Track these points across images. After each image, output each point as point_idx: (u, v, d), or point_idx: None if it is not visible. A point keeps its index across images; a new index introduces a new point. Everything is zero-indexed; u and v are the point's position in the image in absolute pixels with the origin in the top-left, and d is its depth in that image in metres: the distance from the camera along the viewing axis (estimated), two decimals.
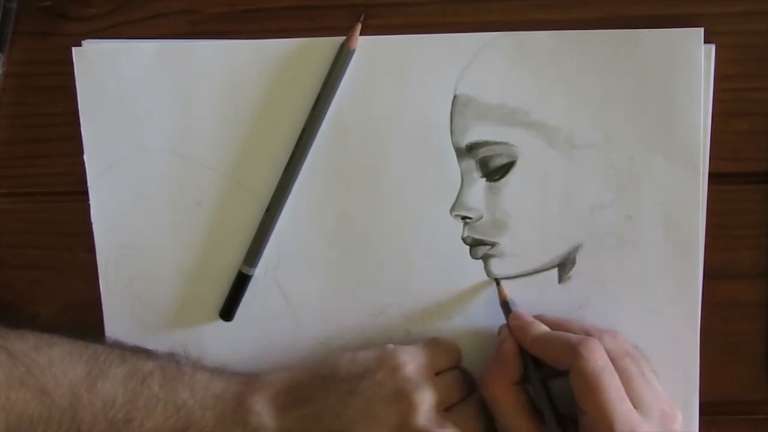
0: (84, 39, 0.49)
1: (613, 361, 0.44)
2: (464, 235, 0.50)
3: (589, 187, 0.49)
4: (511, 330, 0.48)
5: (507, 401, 0.46)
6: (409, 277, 0.50)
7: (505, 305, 0.49)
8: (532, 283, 0.50)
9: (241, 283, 0.50)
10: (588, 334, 0.46)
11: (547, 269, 0.50)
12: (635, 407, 0.43)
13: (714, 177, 0.49)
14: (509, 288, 0.50)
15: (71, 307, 0.52)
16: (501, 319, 0.49)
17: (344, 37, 0.48)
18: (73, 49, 0.49)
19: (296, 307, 0.51)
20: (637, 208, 0.49)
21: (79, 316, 0.51)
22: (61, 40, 0.49)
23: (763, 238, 0.50)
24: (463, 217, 0.50)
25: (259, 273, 0.50)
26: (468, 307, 0.51)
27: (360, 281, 0.50)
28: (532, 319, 0.48)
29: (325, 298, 0.51)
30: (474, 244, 0.50)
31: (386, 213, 0.50)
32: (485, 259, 0.50)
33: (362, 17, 0.48)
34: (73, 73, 0.49)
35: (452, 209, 0.50)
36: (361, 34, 0.48)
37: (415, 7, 0.49)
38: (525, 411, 0.46)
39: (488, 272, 0.50)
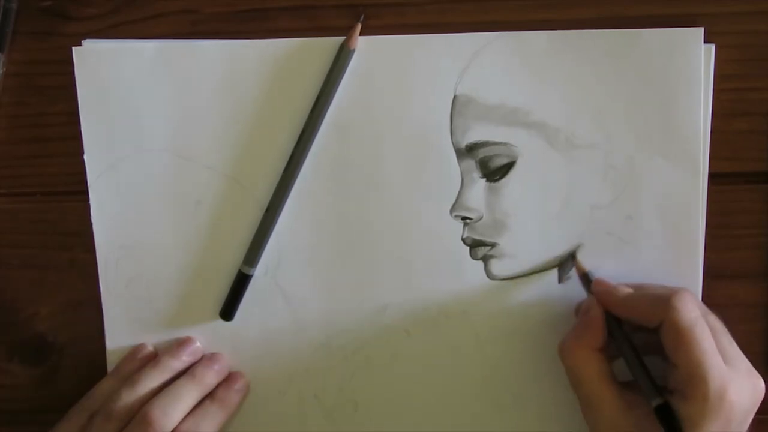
0: (84, 39, 0.49)
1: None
2: (464, 236, 0.50)
3: (589, 187, 0.49)
4: (597, 295, 0.47)
5: (591, 368, 0.45)
6: (409, 277, 0.50)
7: (585, 277, 0.49)
8: (532, 283, 0.50)
9: (241, 283, 0.50)
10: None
11: (547, 269, 0.50)
12: (724, 361, 0.42)
13: (714, 177, 0.49)
14: (509, 288, 0.50)
15: (71, 307, 0.52)
16: (501, 319, 0.49)
17: (344, 37, 0.48)
18: (74, 48, 0.49)
19: (296, 307, 0.51)
20: (637, 208, 0.49)
21: (79, 316, 0.52)
22: (61, 40, 0.49)
23: (763, 238, 0.50)
24: (463, 218, 0.50)
25: (259, 273, 0.50)
26: (468, 308, 0.50)
27: (360, 281, 0.50)
28: (616, 284, 0.47)
29: (325, 298, 0.51)
30: (474, 245, 0.50)
31: (386, 213, 0.50)
32: (485, 259, 0.50)
33: (362, 17, 0.48)
34: (73, 73, 0.49)
35: (452, 210, 0.50)
36: (361, 34, 0.48)
37: (415, 7, 0.49)
38: (608, 377, 0.45)
39: (488, 273, 0.50)
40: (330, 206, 0.50)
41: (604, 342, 0.46)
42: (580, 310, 0.48)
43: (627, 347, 0.45)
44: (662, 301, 0.43)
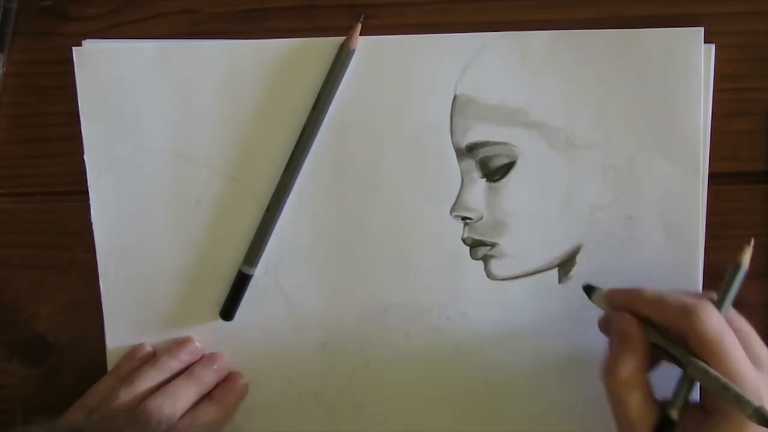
0: (84, 39, 0.49)
1: (726, 320, 0.43)
2: (464, 236, 0.50)
3: (589, 187, 0.49)
4: (622, 304, 0.45)
5: (640, 389, 0.43)
6: (409, 277, 0.50)
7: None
8: (532, 283, 0.50)
9: (241, 283, 0.50)
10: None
11: (547, 269, 0.50)
12: (754, 365, 0.42)
13: (714, 177, 0.49)
14: (509, 288, 0.50)
15: (71, 307, 0.52)
16: (500, 319, 0.49)
17: (344, 37, 0.48)
18: (74, 49, 0.49)
19: (296, 307, 0.51)
20: (637, 208, 0.49)
21: (79, 316, 0.52)
22: (61, 40, 0.49)
23: (763, 238, 0.50)
24: (463, 218, 0.50)
25: (259, 273, 0.50)
26: (468, 308, 0.50)
27: (360, 281, 0.50)
28: (635, 287, 0.45)
29: (325, 298, 0.51)
30: (474, 245, 0.50)
31: (386, 213, 0.50)
32: (485, 259, 0.50)
33: (362, 17, 0.48)
34: (73, 73, 0.49)
35: (452, 210, 0.50)
36: (361, 34, 0.48)
37: (415, 7, 0.49)
38: (652, 399, 0.43)
39: (488, 273, 0.50)
40: (330, 206, 0.50)
41: (649, 359, 0.44)
42: (607, 327, 0.47)
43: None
44: (687, 311, 0.42)
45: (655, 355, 0.44)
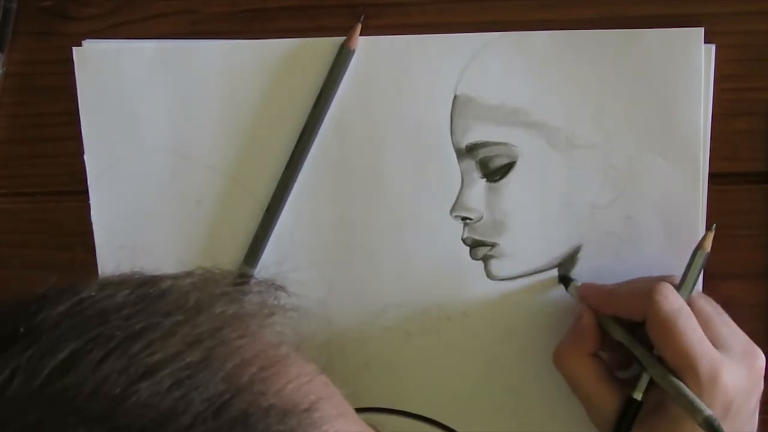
0: (84, 39, 0.49)
1: (687, 302, 0.43)
2: (464, 236, 0.50)
3: (589, 187, 0.49)
4: (585, 299, 0.47)
5: (586, 371, 0.46)
6: (409, 277, 0.50)
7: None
8: (532, 283, 0.50)
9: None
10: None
11: (547, 269, 0.50)
12: (716, 347, 0.42)
13: (714, 177, 0.49)
14: (509, 288, 0.50)
15: None
16: (500, 319, 0.49)
17: (344, 37, 0.48)
18: (74, 49, 0.49)
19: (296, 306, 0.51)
20: (637, 208, 0.49)
21: None
22: (61, 40, 0.49)
23: (763, 238, 0.50)
24: (463, 218, 0.50)
25: (259, 273, 0.50)
26: (468, 308, 0.50)
27: (360, 281, 0.50)
28: (602, 284, 0.47)
29: (325, 299, 0.51)
30: (474, 245, 0.50)
31: (386, 213, 0.50)
32: (485, 259, 0.50)
33: (362, 17, 0.48)
34: (74, 73, 0.49)
35: (452, 210, 0.50)
36: (361, 34, 0.48)
37: (415, 7, 0.49)
38: (604, 377, 0.46)
39: (488, 273, 0.50)
40: (330, 206, 0.50)
41: (597, 347, 0.46)
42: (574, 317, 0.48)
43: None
44: (643, 294, 0.43)
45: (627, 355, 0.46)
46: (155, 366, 0.27)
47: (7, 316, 0.29)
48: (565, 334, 0.48)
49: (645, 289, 0.44)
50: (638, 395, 0.44)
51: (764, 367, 0.43)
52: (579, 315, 0.47)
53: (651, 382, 0.44)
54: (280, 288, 0.37)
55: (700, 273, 0.46)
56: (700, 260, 0.45)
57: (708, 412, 0.40)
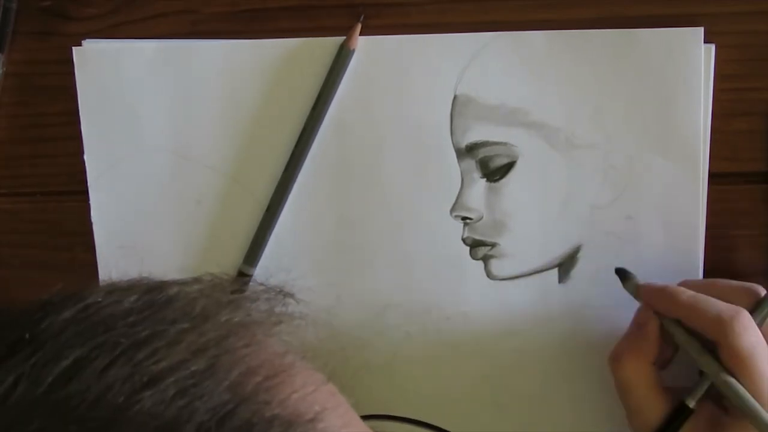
0: (84, 39, 0.49)
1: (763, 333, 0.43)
2: (464, 236, 0.50)
3: (589, 187, 0.49)
4: (652, 303, 0.45)
5: (642, 377, 0.45)
6: (409, 277, 0.50)
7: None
8: (532, 283, 0.50)
9: None
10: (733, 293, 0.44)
11: (547, 269, 0.50)
12: None
13: (714, 177, 0.49)
14: (509, 288, 0.50)
15: None
16: (500, 319, 0.49)
17: (344, 37, 0.48)
18: (74, 49, 0.49)
19: (296, 307, 0.51)
20: (637, 208, 0.49)
21: None
22: (61, 40, 0.49)
23: (763, 238, 0.50)
24: (463, 218, 0.50)
25: (259, 273, 0.50)
26: (468, 308, 0.50)
27: (360, 281, 0.50)
28: (672, 285, 0.46)
29: (325, 298, 0.51)
30: (474, 245, 0.50)
31: (386, 213, 0.50)
32: (485, 259, 0.50)
33: (362, 17, 0.48)
34: (73, 73, 0.49)
35: (452, 210, 0.50)
36: (361, 34, 0.48)
37: (415, 7, 0.49)
38: (657, 386, 0.45)
39: (488, 273, 0.50)
40: (330, 206, 0.50)
41: (659, 354, 0.45)
42: (635, 319, 0.47)
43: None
44: (721, 323, 0.42)
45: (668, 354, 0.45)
46: (160, 374, 0.27)
47: (13, 323, 0.28)
48: (625, 336, 0.46)
49: (721, 316, 0.42)
50: (691, 403, 0.43)
51: None
52: (642, 318, 0.46)
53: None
54: (289, 295, 0.36)
55: None
56: None
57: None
